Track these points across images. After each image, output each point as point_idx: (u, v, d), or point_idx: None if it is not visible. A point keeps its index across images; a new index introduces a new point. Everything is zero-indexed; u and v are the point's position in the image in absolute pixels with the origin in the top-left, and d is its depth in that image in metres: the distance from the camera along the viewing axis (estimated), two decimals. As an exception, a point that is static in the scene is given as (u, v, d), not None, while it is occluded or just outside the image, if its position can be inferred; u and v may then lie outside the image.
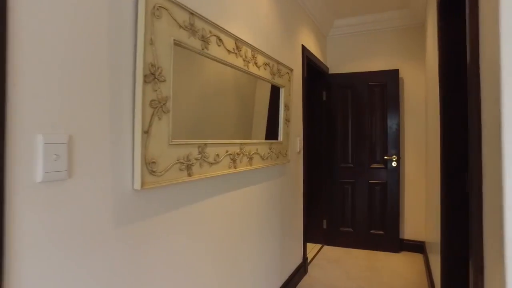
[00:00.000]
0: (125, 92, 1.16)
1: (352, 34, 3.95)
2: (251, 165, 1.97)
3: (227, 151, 1.72)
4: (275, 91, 2.40)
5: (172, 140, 1.33)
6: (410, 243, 3.69)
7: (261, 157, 2.10)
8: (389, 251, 3.65)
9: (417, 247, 3.65)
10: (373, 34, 3.87)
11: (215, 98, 1.76)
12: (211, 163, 1.59)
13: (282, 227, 2.55)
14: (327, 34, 4.01)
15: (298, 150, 2.89)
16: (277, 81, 2.34)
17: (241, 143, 1.86)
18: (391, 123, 3.66)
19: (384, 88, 3.69)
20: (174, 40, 1.33)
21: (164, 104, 1.28)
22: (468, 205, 1.81)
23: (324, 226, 3.91)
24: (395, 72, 3.63)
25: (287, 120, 2.53)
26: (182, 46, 1.41)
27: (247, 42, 1.90)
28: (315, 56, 3.52)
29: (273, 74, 2.26)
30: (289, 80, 2.57)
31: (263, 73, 2.12)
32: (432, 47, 2.87)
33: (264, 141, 2.17)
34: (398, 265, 3.28)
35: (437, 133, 2.37)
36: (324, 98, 3.94)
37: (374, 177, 3.73)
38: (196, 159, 1.48)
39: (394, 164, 3.63)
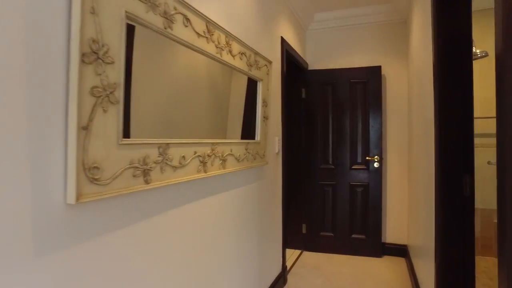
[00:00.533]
0: (56, 74, 0.87)
1: (333, 28, 3.77)
2: (224, 168, 1.71)
3: (195, 153, 1.45)
4: (252, 85, 2.15)
5: (123, 139, 1.05)
6: (392, 247, 3.55)
7: (236, 158, 1.84)
8: (371, 256, 3.49)
9: (399, 251, 3.52)
10: (355, 29, 3.70)
11: (185, 91, 1.49)
12: (175, 167, 1.32)
13: (260, 236, 2.31)
14: (307, 28, 3.81)
15: (276, 151, 2.66)
16: (254, 73, 2.09)
17: (212, 142, 1.59)
18: (373, 122, 3.50)
19: (366, 86, 3.53)
20: (126, 12, 1.05)
21: (111, 92, 1.00)
22: (467, 208, 1.64)
23: (304, 231, 3.71)
24: (378, 69, 3.48)
25: (265, 118, 2.29)
26: (138, 22, 1.13)
27: (220, 27, 1.64)
28: (295, 51, 3.31)
29: (249, 65, 2.01)
30: (268, 74, 2.33)
31: (239, 63, 1.87)
32: (416, 43, 2.72)
33: (239, 140, 1.92)
34: (381, 271, 3.12)
35: (427, 132, 2.20)
36: (304, 96, 3.74)
37: (356, 179, 3.56)
38: (155, 162, 1.21)
39: (376, 165, 3.48)
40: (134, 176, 1.10)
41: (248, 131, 2.13)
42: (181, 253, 1.43)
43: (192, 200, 1.51)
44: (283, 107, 2.85)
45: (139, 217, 1.19)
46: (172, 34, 1.29)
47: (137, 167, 1.11)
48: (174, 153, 1.31)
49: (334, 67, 3.70)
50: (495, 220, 3.49)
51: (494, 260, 3.38)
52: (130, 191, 1.07)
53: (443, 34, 1.74)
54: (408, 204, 3.47)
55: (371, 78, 3.51)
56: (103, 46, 0.96)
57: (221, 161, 1.68)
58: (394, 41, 3.57)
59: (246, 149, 1.99)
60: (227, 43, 1.73)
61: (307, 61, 3.86)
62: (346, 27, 3.72)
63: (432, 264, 1.97)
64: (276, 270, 2.72)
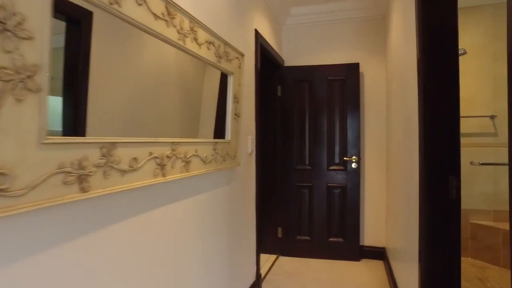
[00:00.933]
0: None
1: (310, 24, 3.63)
2: (188, 171, 1.50)
3: (151, 154, 1.24)
4: (224, 80, 1.96)
5: (48, 138, 0.83)
6: (370, 250, 3.45)
7: (202, 160, 1.64)
8: (349, 260, 3.37)
9: (378, 253, 3.42)
10: (332, 25, 3.58)
11: (154, 87, 1.33)
12: (124, 171, 1.10)
13: (230, 244, 2.11)
14: (284, 23, 3.65)
15: (250, 151, 2.47)
16: (224, 66, 1.89)
17: (172, 142, 1.38)
18: (351, 121, 3.38)
19: (344, 83, 3.41)
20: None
21: (29, 77, 0.77)
22: (453, 213, 1.51)
23: (279, 235, 3.54)
24: (356, 66, 3.37)
25: (236, 115, 2.10)
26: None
27: (183, 10, 1.44)
28: (270, 46, 3.14)
29: (218, 56, 1.82)
30: (240, 67, 2.14)
31: (206, 53, 1.67)
32: (396, 39, 2.61)
33: (206, 140, 1.71)
34: (360, 276, 3.00)
35: (408, 131, 2.08)
36: (279, 93, 3.57)
37: (333, 180, 3.43)
38: (97, 165, 0.99)
39: (354, 165, 3.36)
40: (65, 183, 0.88)
41: (221, 130, 1.94)
42: (130, 274, 1.22)
43: (147, 210, 1.29)
44: (257, 105, 2.67)
45: (73, 234, 0.96)
46: (120, 12, 1.08)
47: (69, 172, 0.89)
48: (123, 155, 1.10)
49: (311, 64, 3.56)
50: (472, 221, 3.46)
51: (470, 261, 3.35)
52: (58, 203, 0.85)
53: (428, 27, 1.61)
54: (386, 205, 3.38)
55: (349, 75, 3.39)
56: (14, 14, 0.73)
57: (183, 163, 1.47)
58: (372, 38, 3.47)
59: (215, 150, 1.79)
60: (192, 29, 1.53)
61: (283, 58, 3.70)
62: (323, 22, 3.59)
63: (415, 268, 1.85)
64: (250, 278, 2.54)
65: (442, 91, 1.54)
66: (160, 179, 1.29)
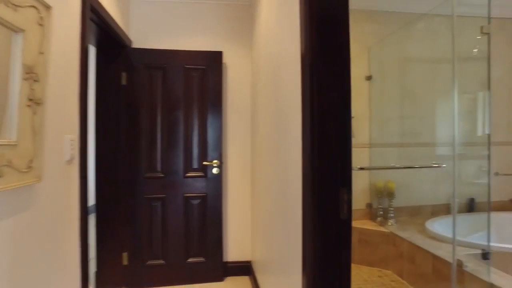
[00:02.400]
0: None
1: (167, 1, 2.98)
2: None
3: None
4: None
5: None
6: (235, 266, 3.04)
7: None
8: (211, 281, 2.88)
9: (243, 269, 3.04)
10: (193, 6, 3.02)
11: None
12: None
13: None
14: (129, -7, 2.89)
15: (68, 158, 1.66)
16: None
17: None
18: (212, 118, 2.90)
19: (204, 74, 2.90)
20: None
21: None
22: (345, 232, 1.16)
23: (125, 262, 2.76)
24: (218, 55, 2.90)
25: (34, 102, 1.30)
26: None
27: None
28: (112, 18, 2.34)
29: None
30: (41, 25, 1.34)
31: None
32: (267, 29, 2.26)
33: None
34: (223, 302, 2.54)
35: (284, 134, 1.71)
36: (124, 82, 2.80)
37: (192, 189, 2.88)
38: None
39: (215, 171, 2.89)
40: None
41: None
42: None
43: None
44: (83, 90, 1.86)
45: None
46: None
47: None
48: None
49: (166, 48, 2.92)
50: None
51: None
52: None
53: (317, 14, 1.22)
54: (252, 215, 3.04)
55: (210, 65, 2.90)
56: None
57: None
58: (237, 26, 3.08)
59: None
60: None
61: (131, 38, 2.94)
62: (183, 2, 3.00)
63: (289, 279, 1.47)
64: None
65: (334, 90, 1.18)
66: None
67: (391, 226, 3.05)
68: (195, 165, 2.88)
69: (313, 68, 1.20)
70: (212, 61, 2.90)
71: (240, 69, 3.09)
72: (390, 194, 3.15)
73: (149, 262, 2.80)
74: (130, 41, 2.90)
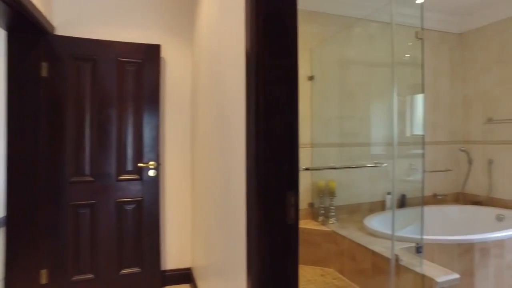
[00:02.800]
0: None
1: (93, -16, 2.69)
2: None
3: None
4: None
5: None
6: (174, 274, 2.85)
7: None
8: (147, 293, 2.66)
9: (183, 276, 2.86)
10: (124, -8, 2.77)
11: None
12: None
13: None
14: (50, -27, 2.55)
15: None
16: None
17: None
18: (149, 117, 2.68)
19: (140, 69, 2.67)
20: None
21: None
22: (293, 239, 1.09)
23: (43, 281, 2.42)
24: (156, 48, 2.69)
25: None
26: None
27: None
28: (23, -5, 2.02)
29: None
30: None
31: None
32: (209, 23, 2.13)
33: None
34: (161, 315, 2.35)
35: (227, 133, 1.60)
36: (45, 74, 2.46)
37: (126, 193, 2.63)
38: None
39: (152, 173, 2.68)
40: None
41: None
42: None
43: None
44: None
45: None
46: None
47: None
48: None
49: (97, 38, 2.63)
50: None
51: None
52: None
53: (263, 5, 1.12)
54: (192, 218, 2.87)
55: (147, 59, 2.68)
56: None
57: None
58: (177, 19, 2.89)
59: None
60: None
61: (54, 24, 2.59)
62: (112, -14, 2.73)
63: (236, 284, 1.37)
64: None
65: (282, 88, 1.10)
66: None
67: (332, 225, 3.10)
68: (129, 167, 2.64)
69: (259, 62, 1.11)
70: (149, 55, 2.68)
71: (180, 64, 2.91)
72: (331, 193, 3.21)
73: (75, 278, 2.49)
74: (52, 27, 2.56)
